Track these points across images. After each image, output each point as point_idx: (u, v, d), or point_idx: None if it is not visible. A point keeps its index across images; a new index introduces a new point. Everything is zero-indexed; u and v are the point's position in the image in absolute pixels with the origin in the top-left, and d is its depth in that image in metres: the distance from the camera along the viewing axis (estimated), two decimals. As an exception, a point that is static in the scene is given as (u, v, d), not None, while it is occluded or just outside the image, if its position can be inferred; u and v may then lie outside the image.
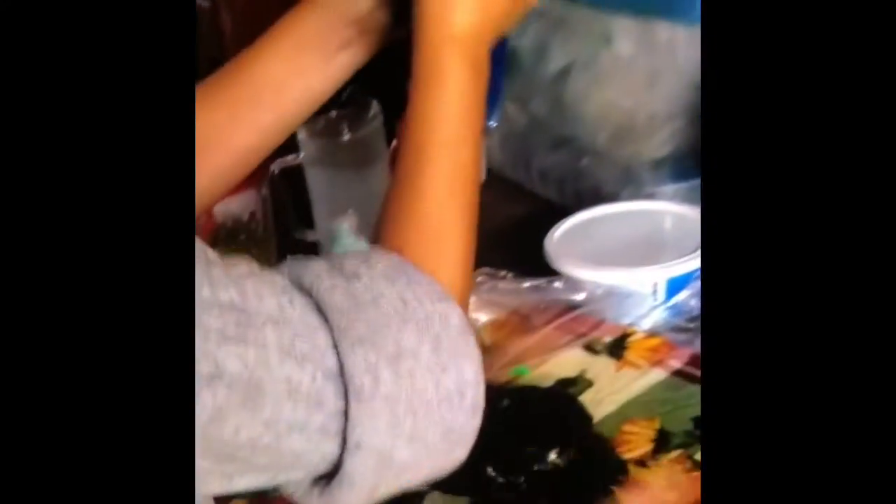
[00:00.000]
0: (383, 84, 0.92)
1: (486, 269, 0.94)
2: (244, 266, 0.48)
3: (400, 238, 0.55)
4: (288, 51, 0.66)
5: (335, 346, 0.48)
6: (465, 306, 0.54)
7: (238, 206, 1.04)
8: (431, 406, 0.49)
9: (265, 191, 1.06)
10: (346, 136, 1.05)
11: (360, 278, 0.50)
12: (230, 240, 1.04)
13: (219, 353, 0.45)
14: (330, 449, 0.49)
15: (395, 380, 0.48)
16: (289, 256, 0.54)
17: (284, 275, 0.50)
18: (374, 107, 1.07)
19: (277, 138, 0.69)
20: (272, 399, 0.46)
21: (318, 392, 0.47)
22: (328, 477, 0.50)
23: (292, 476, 0.51)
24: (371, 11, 0.67)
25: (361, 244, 0.65)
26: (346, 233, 0.77)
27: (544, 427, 0.78)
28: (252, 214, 1.05)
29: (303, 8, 0.68)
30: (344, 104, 1.07)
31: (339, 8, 0.66)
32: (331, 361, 0.48)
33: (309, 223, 1.09)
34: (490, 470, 0.75)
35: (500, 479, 0.75)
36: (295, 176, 1.07)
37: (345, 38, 0.67)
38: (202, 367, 0.44)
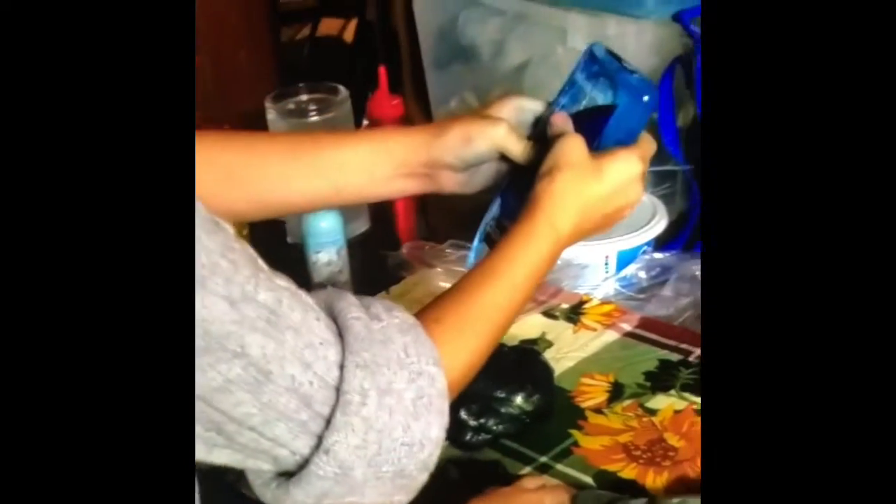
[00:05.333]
0: (352, 72, 0.99)
1: (455, 241, 1.01)
2: (284, 280, 0.57)
3: (437, 316, 0.64)
4: (365, 154, 0.75)
5: (341, 365, 0.56)
6: (454, 391, 0.62)
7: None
8: (395, 444, 0.57)
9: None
10: (314, 118, 1.11)
11: (381, 320, 0.59)
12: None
13: (246, 337, 0.52)
14: (303, 444, 0.56)
15: (378, 409, 0.56)
16: (325, 287, 0.62)
17: (319, 297, 0.59)
18: (342, 92, 1.13)
19: (312, 208, 0.85)
20: (274, 388, 0.54)
21: (311, 395, 0.55)
22: (288, 476, 0.58)
23: (261, 465, 0.57)
24: (453, 165, 0.75)
25: None
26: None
27: (512, 377, 0.84)
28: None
29: (399, 132, 0.79)
30: (313, 88, 1.14)
31: (432, 151, 0.74)
32: (332, 375, 0.56)
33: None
34: (464, 414, 0.82)
35: (473, 422, 0.82)
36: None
37: (412, 172, 0.75)
38: (229, 344, 0.52)
